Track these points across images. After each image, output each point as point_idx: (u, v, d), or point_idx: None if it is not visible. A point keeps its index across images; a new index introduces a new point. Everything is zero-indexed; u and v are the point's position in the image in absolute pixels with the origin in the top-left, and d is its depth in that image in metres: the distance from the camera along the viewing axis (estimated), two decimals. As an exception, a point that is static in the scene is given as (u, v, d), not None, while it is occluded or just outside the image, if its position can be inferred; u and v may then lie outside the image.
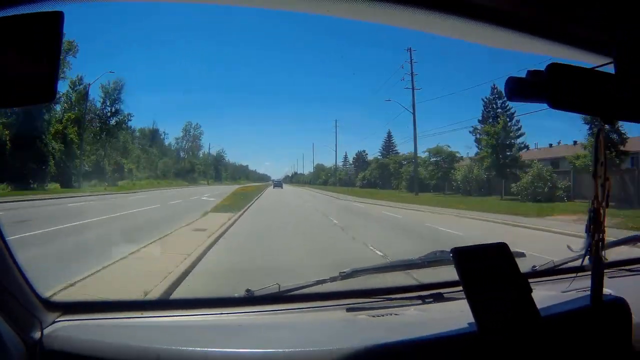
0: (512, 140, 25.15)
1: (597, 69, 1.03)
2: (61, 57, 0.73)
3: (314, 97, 59.05)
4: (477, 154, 28.04)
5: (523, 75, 0.98)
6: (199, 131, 46.92)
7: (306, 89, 57.32)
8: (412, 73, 31.06)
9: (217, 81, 55.19)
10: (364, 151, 51.55)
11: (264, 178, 66.94)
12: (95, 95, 33.01)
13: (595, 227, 1.08)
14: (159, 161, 44.74)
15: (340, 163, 52.29)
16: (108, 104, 34.07)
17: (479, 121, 28.94)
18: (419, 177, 31.66)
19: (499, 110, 28.48)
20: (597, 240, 1.09)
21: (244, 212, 14.36)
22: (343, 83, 59.71)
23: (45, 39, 0.72)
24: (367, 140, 60.19)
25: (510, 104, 22.25)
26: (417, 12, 0.94)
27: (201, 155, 48.76)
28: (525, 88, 0.98)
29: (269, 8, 1.12)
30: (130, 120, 35.19)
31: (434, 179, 30.78)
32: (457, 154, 30.53)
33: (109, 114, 35.20)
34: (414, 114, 30.04)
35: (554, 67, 0.93)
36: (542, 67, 0.95)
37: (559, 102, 0.96)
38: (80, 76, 29.96)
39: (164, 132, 45.72)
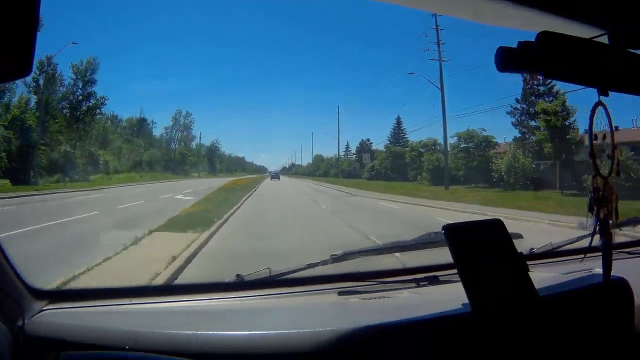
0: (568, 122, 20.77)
1: (592, 39, 0.97)
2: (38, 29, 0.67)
3: (313, 85, 56.83)
4: (517, 139, 24.35)
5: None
6: (189, 119, 43.67)
7: (305, 75, 55.44)
8: (438, 41, 26.61)
9: (212, 71, 53.32)
10: (368, 140, 47.41)
11: (260, 170, 65.41)
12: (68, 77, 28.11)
13: (599, 206, 1.01)
14: (145, 152, 41.05)
15: (341, 153, 49.06)
16: (80, 86, 29.95)
17: (518, 100, 25.05)
18: (438, 168, 28.21)
19: (542, 87, 24.51)
20: (604, 219, 1.02)
21: (222, 224, 9.64)
22: (345, 68, 58.00)
23: (20, 11, 0.67)
24: (371, 129, 56.15)
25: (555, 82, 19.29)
26: None
27: (194, 146, 45.67)
28: (516, 58, 0.95)
29: None
30: (104, 105, 31.10)
31: (463, 169, 26.31)
32: (492, 139, 26.04)
33: (80, 98, 31.14)
34: (442, 88, 23.93)
35: (545, 35, 0.90)
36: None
37: (553, 71, 0.94)
38: (49, 56, 26.20)
39: (151, 121, 42.18)
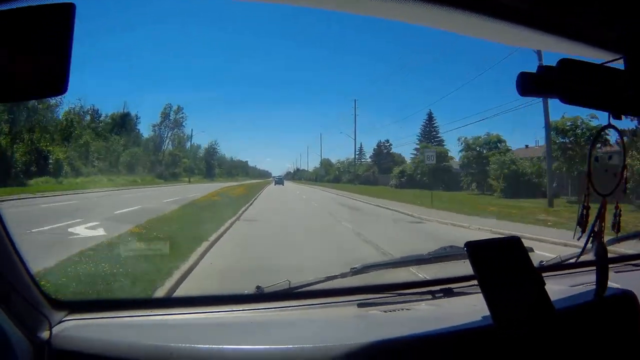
0: None
1: (607, 63, 1.03)
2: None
3: (322, 85, 53.84)
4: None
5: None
6: (181, 115, 38.59)
7: (314, 74, 50.95)
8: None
9: (222, 74, 51.09)
10: (387, 141, 41.79)
11: (264, 174, 64.43)
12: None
13: (586, 221, 1.09)
14: (124, 152, 35.35)
15: (349, 157, 45.19)
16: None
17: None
18: (516, 173, 21.69)
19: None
20: (598, 233, 1.10)
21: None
22: (358, 62, 53.15)
23: (56, 32, 0.72)
24: (386, 131, 51.49)
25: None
26: (430, 8, 0.93)
27: (189, 147, 41.18)
28: (537, 83, 0.99)
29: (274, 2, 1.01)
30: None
31: (565, 174, 18.33)
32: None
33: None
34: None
35: (565, 63, 0.94)
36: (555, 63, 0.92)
37: (571, 97, 0.97)
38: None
39: (135, 115, 36.72)
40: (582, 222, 1.09)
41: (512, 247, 1.10)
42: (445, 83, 56.63)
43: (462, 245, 1.07)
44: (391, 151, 41.02)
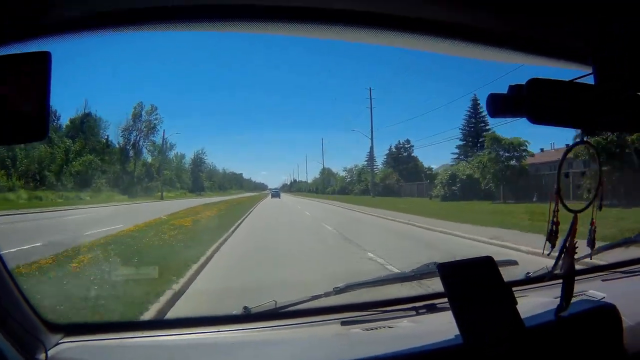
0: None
1: (578, 79, 1.03)
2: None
3: (319, 95, 52.26)
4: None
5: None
6: (154, 117, 32.45)
7: (310, 79, 51.38)
8: None
9: (218, 83, 51.26)
10: (407, 142, 36.60)
11: (260, 187, 64.56)
12: None
13: (555, 237, 1.11)
14: (76, 161, 28.21)
15: (361, 164, 40.62)
16: None
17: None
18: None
19: None
20: (569, 247, 1.14)
21: None
22: (359, 66, 51.45)
23: (33, 79, 0.74)
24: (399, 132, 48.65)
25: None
26: (403, 35, 1.01)
27: (172, 156, 36.79)
28: (506, 104, 1.00)
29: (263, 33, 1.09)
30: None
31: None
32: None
33: None
34: None
35: (533, 83, 0.95)
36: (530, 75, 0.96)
37: (539, 117, 0.98)
38: None
39: (96, 114, 31.13)
40: (551, 238, 1.10)
41: (484, 266, 1.13)
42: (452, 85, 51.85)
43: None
44: (412, 154, 35.93)
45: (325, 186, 44.48)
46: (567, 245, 1.09)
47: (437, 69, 42.99)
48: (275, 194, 44.79)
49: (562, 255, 1.11)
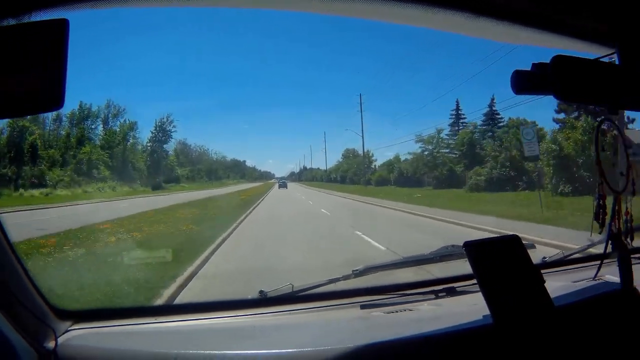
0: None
1: (602, 58, 1.13)
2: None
3: (325, 84, 52.27)
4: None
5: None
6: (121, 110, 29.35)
7: (317, 74, 49.35)
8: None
9: (225, 75, 50.41)
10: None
11: (266, 176, 61.71)
12: None
13: (603, 214, 1.18)
14: None
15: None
16: None
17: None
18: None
19: None
20: (617, 229, 1.21)
21: None
22: (362, 61, 51.90)
23: (51, 47, 0.77)
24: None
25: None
26: (420, 8, 1.02)
27: (147, 142, 31.23)
28: (531, 81, 1.06)
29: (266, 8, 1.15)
30: None
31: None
32: None
33: None
34: None
35: (558, 60, 1.01)
36: (548, 60, 1.04)
37: (565, 94, 1.05)
38: None
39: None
40: (598, 217, 1.18)
41: (511, 246, 1.18)
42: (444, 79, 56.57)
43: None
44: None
45: (345, 174, 40.60)
46: (614, 227, 1.19)
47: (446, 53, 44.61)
48: (282, 184, 45.77)
49: (609, 237, 1.20)
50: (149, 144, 32.16)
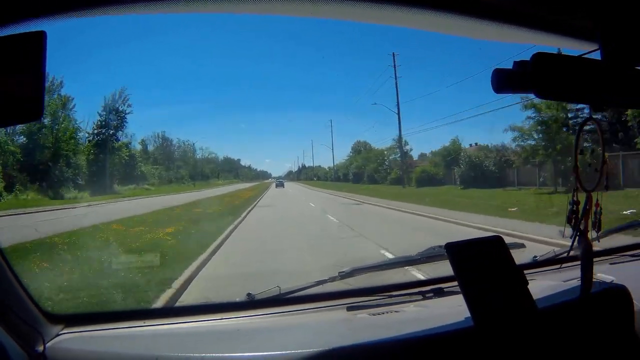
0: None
1: (585, 54, 1.14)
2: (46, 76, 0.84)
3: (321, 86, 49.45)
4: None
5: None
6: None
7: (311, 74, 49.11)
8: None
9: (221, 75, 49.40)
10: None
11: (262, 176, 60.42)
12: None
13: (576, 217, 1.24)
14: None
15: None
16: None
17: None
18: None
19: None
20: (584, 229, 1.24)
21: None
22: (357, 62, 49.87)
23: (29, 59, 0.79)
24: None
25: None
26: (399, 10, 1.05)
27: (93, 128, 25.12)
28: (511, 79, 1.06)
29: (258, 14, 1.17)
30: None
31: None
32: None
33: None
34: None
35: (539, 57, 1.02)
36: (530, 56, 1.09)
37: (546, 92, 1.05)
38: None
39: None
40: (570, 218, 1.23)
41: (493, 247, 1.21)
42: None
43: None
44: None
45: (360, 172, 33.62)
46: (581, 226, 1.23)
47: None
48: (280, 183, 47.18)
49: (577, 237, 1.24)
50: (94, 131, 23.61)
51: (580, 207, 1.19)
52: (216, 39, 52.30)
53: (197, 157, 40.42)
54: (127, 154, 27.89)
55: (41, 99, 0.78)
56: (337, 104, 59.21)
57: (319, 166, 49.52)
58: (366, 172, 35.45)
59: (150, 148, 35.63)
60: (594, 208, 1.20)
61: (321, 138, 79.51)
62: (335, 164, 44.30)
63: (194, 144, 39.32)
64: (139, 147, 31.23)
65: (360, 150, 40.27)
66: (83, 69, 36.25)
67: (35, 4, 0.84)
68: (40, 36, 0.77)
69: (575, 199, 1.18)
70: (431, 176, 28.39)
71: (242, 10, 1.04)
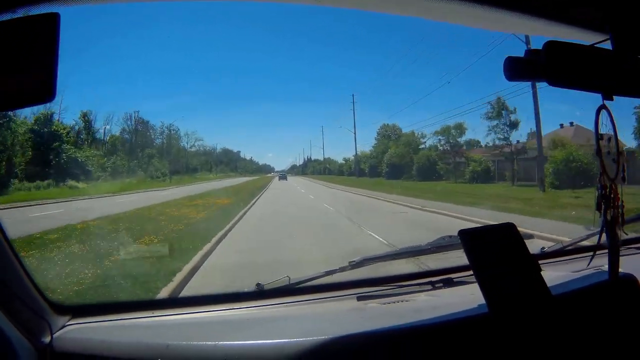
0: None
1: (596, 44, 1.17)
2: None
3: (325, 80, 48.79)
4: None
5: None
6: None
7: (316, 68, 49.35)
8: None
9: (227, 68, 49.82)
10: None
11: (264, 169, 58.24)
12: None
13: (606, 203, 1.24)
14: None
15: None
16: None
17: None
18: None
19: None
20: (611, 217, 1.26)
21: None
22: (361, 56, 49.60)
23: (42, 40, 0.79)
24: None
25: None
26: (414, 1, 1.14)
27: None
28: (523, 67, 1.10)
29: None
30: None
31: None
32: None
33: None
34: None
35: (551, 45, 1.06)
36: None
37: (558, 79, 1.06)
38: None
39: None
40: (600, 207, 1.24)
41: (507, 234, 1.22)
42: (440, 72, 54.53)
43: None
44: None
45: (400, 164, 25.11)
46: (609, 216, 1.24)
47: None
48: (282, 176, 46.06)
49: (604, 227, 1.26)
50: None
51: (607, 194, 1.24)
52: (215, 31, 51.74)
53: (185, 146, 31.72)
54: (40, 131, 18.46)
55: (54, 80, 0.78)
56: (342, 100, 59.47)
57: (329, 158, 40.92)
58: (416, 164, 26.60)
59: (117, 132, 27.59)
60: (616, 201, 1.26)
61: (330, 131, 71.55)
62: (371, 149, 33.93)
63: (178, 129, 30.57)
64: (73, 123, 21.65)
65: (390, 136, 30.24)
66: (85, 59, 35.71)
67: None
68: (54, 18, 0.78)
69: (602, 183, 1.20)
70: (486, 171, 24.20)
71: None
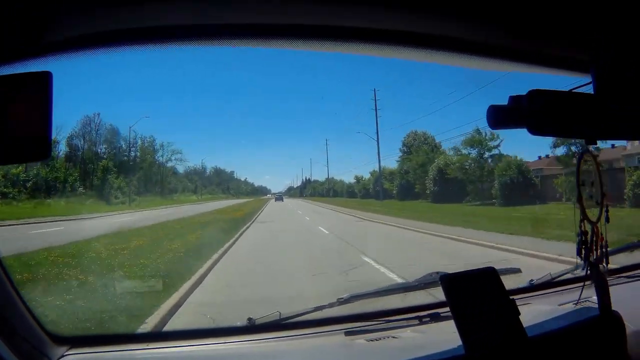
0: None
1: (577, 88, 1.21)
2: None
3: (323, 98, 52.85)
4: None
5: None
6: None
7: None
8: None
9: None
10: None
11: (260, 191, 55.76)
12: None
13: (586, 249, 1.31)
14: None
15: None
16: None
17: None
18: None
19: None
20: (595, 257, 1.32)
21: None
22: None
23: (35, 99, 0.80)
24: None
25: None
26: (407, 49, 1.14)
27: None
28: (506, 116, 1.12)
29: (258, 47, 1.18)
30: None
31: None
32: None
33: None
34: None
35: (533, 94, 1.10)
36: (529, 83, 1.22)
37: (540, 128, 1.11)
38: None
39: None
40: (580, 250, 1.30)
41: (486, 278, 1.28)
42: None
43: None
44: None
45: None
46: (591, 259, 1.30)
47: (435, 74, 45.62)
48: (279, 198, 45.78)
49: (587, 264, 1.32)
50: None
51: (589, 237, 1.27)
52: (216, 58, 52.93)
53: (162, 160, 26.76)
54: None
55: (48, 138, 0.78)
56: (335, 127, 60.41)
57: (332, 178, 35.50)
58: (497, 180, 19.07)
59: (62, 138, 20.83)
60: (600, 243, 1.30)
61: (321, 156, 72.57)
62: (368, 172, 29.78)
63: (154, 139, 24.80)
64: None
65: (413, 145, 23.00)
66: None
67: (40, 44, 0.84)
68: (46, 76, 0.78)
69: (582, 229, 1.26)
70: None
71: (240, 45, 1.07)
